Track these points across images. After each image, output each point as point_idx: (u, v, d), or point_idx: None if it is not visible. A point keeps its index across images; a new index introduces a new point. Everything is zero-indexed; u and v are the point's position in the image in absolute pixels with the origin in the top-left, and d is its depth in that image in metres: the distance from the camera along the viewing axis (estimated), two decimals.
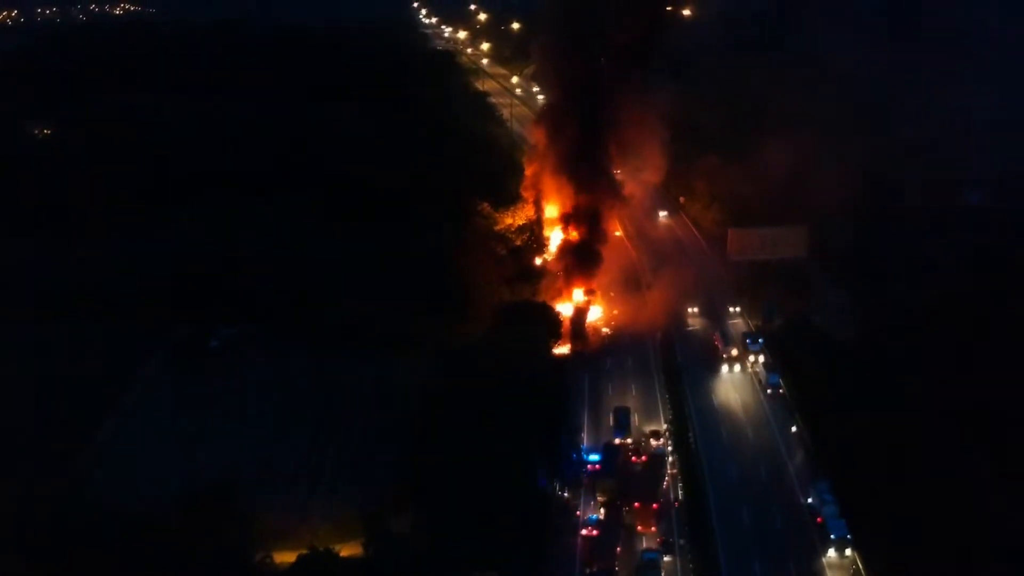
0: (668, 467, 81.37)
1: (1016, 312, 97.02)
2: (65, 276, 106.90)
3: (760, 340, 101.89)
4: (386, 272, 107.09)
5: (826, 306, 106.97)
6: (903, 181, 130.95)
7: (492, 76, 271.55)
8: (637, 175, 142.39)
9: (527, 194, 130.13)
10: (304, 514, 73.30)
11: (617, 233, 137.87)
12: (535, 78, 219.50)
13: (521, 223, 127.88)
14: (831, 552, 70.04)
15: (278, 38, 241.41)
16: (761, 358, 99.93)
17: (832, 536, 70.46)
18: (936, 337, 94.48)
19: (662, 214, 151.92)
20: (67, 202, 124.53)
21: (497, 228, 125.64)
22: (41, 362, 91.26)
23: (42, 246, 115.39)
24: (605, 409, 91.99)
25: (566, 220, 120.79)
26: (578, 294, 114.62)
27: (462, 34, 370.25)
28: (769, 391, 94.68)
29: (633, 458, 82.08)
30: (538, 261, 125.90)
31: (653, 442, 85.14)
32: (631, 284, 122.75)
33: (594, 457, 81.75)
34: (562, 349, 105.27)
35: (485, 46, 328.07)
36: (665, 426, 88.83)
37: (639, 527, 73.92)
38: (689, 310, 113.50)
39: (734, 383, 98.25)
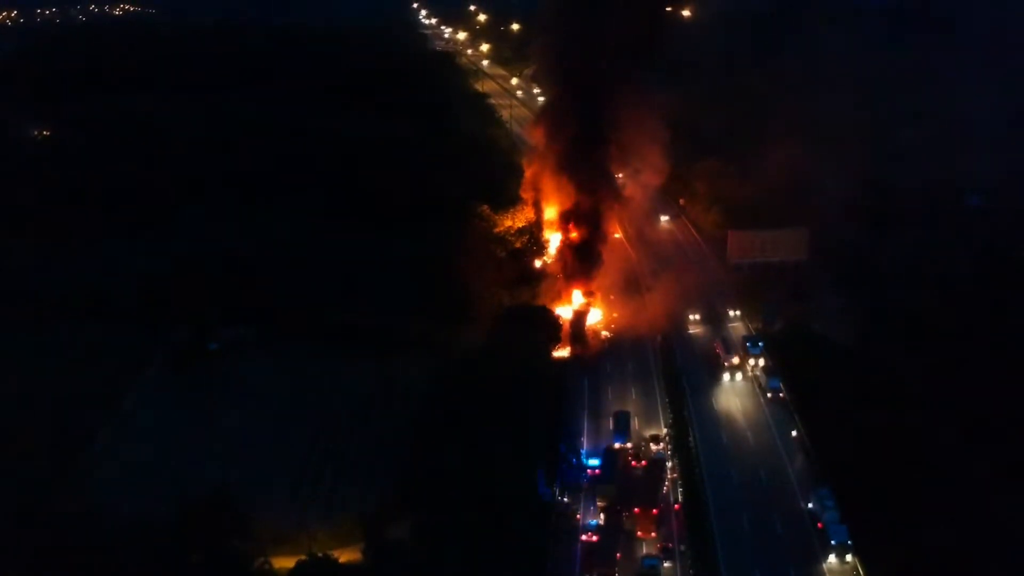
0: (668, 472, 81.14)
1: (1016, 315, 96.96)
2: (64, 278, 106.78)
3: (760, 344, 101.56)
4: (385, 274, 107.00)
5: (826, 309, 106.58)
6: (903, 183, 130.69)
7: (492, 77, 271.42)
8: (637, 177, 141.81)
9: (527, 196, 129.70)
10: (303, 519, 73.01)
11: (617, 235, 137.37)
12: (535, 79, 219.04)
13: (521, 225, 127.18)
14: (832, 558, 69.90)
15: (278, 38, 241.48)
16: (761, 362, 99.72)
17: (833, 542, 70.37)
18: (936, 340, 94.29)
19: (662, 217, 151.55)
20: (67, 202, 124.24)
21: (496, 230, 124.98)
22: (40, 365, 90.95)
23: (42, 247, 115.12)
24: (605, 413, 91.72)
25: (566, 219, 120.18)
26: (578, 297, 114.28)
27: (462, 35, 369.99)
28: (769, 395, 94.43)
29: (633, 463, 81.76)
30: (538, 264, 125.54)
31: (653, 447, 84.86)
32: (631, 287, 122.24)
33: (594, 462, 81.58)
34: (562, 352, 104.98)
35: (485, 47, 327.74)
36: (665, 430, 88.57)
37: (639, 532, 73.73)
38: (690, 317, 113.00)
39: (735, 388, 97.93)
